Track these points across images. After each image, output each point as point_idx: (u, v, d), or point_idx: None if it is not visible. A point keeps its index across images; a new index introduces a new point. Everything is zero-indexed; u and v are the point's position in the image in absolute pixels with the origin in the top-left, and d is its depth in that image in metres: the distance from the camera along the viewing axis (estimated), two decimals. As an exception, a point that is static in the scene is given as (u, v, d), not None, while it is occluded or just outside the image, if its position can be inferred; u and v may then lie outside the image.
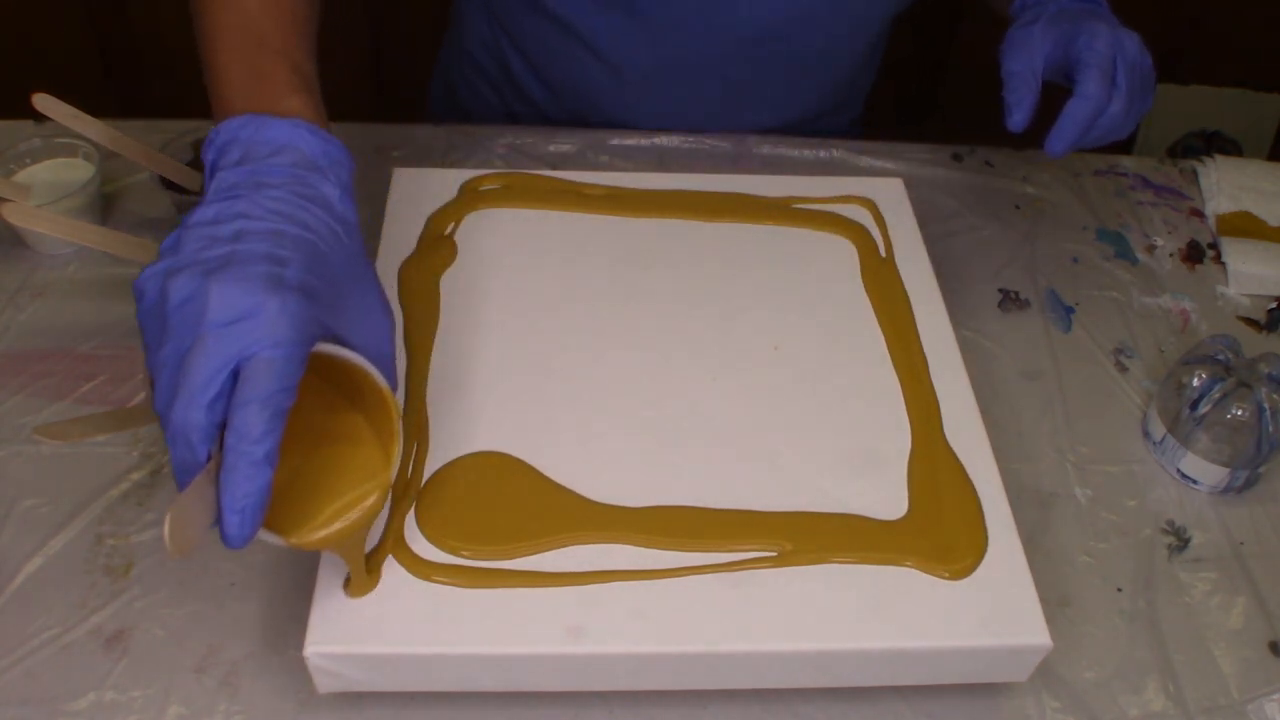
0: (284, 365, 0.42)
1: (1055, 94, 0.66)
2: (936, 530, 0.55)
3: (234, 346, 0.42)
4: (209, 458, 0.42)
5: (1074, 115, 0.63)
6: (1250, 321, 0.78)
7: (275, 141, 0.49)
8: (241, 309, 0.42)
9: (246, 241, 0.45)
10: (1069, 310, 0.77)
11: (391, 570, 0.52)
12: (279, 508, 0.46)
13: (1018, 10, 0.72)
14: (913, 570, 0.54)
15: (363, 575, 0.50)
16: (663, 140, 0.86)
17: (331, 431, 0.49)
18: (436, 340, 0.62)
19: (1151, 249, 0.83)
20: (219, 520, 0.43)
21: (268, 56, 0.54)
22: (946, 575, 0.53)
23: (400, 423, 0.48)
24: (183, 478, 0.43)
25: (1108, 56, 0.63)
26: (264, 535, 0.45)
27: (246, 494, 0.42)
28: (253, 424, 0.42)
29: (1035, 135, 0.66)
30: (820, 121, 0.91)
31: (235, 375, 0.42)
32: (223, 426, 0.42)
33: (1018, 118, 0.64)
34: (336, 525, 0.48)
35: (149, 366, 0.44)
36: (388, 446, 0.49)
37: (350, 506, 0.48)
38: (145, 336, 0.45)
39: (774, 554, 0.54)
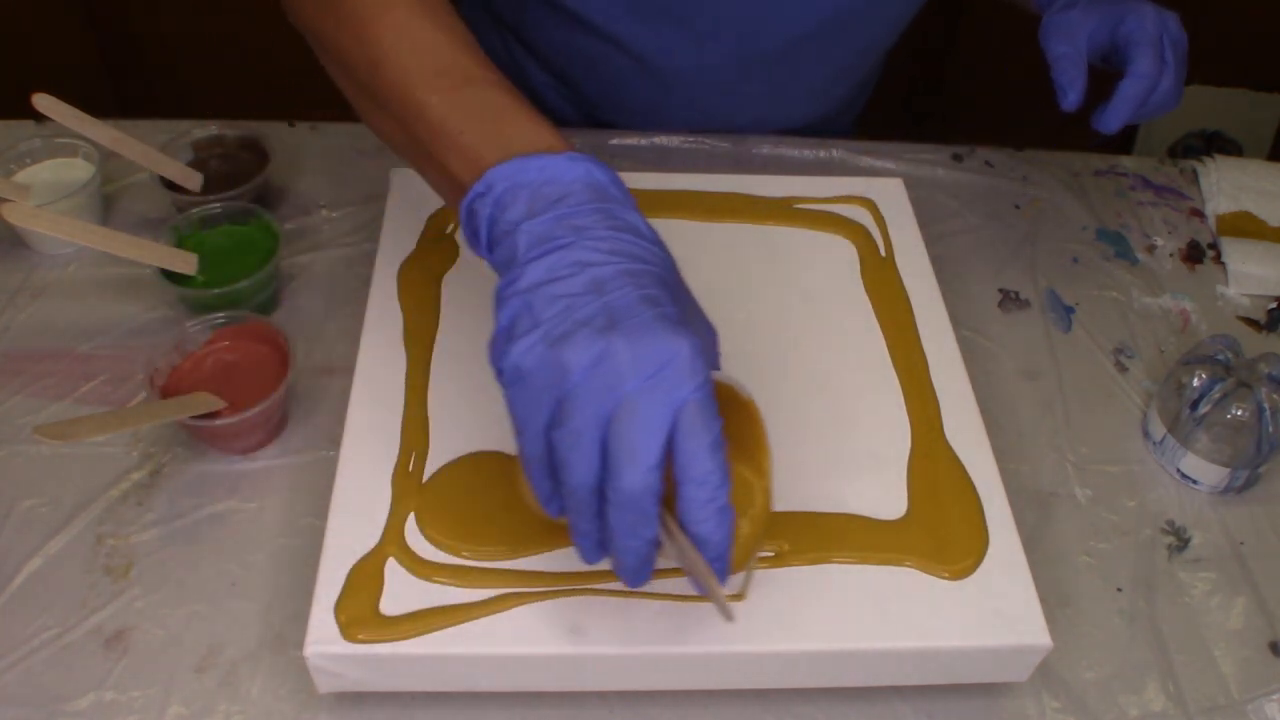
0: (711, 402, 0.41)
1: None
2: (936, 530, 0.55)
3: (669, 398, 0.40)
4: (660, 521, 0.42)
5: (1129, 93, 0.65)
6: (1250, 321, 0.78)
7: (562, 180, 0.46)
8: (660, 359, 0.41)
9: (612, 291, 0.43)
10: (1069, 310, 0.77)
11: (392, 570, 0.52)
12: None
13: (1045, 0, 0.72)
14: (913, 570, 0.54)
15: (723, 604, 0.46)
16: (663, 140, 0.86)
17: None
18: (437, 340, 0.62)
19: (1151, 249, 0.83)
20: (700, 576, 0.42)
21: (482, 90, 0.50)
22: (946, 575, 0.54)
23: (768, 436, 0.47)
24: (635, 543, 0.42)
25: (1157, 35, 0.66)
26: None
27: (721, 542, 0.42)
28: (712, 470, 0.41)
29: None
30: (837, 118, 0.91)
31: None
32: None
33: (1072, 98, 0.66)
34: (742, 546, 0.46)
35: (532, 446, 0.42)
36: (758, 464, 0.48)
37: (748, 530, 0.47)
38: (526, 413, 0.42)
39: (771, 554, 0.54)
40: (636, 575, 0.44)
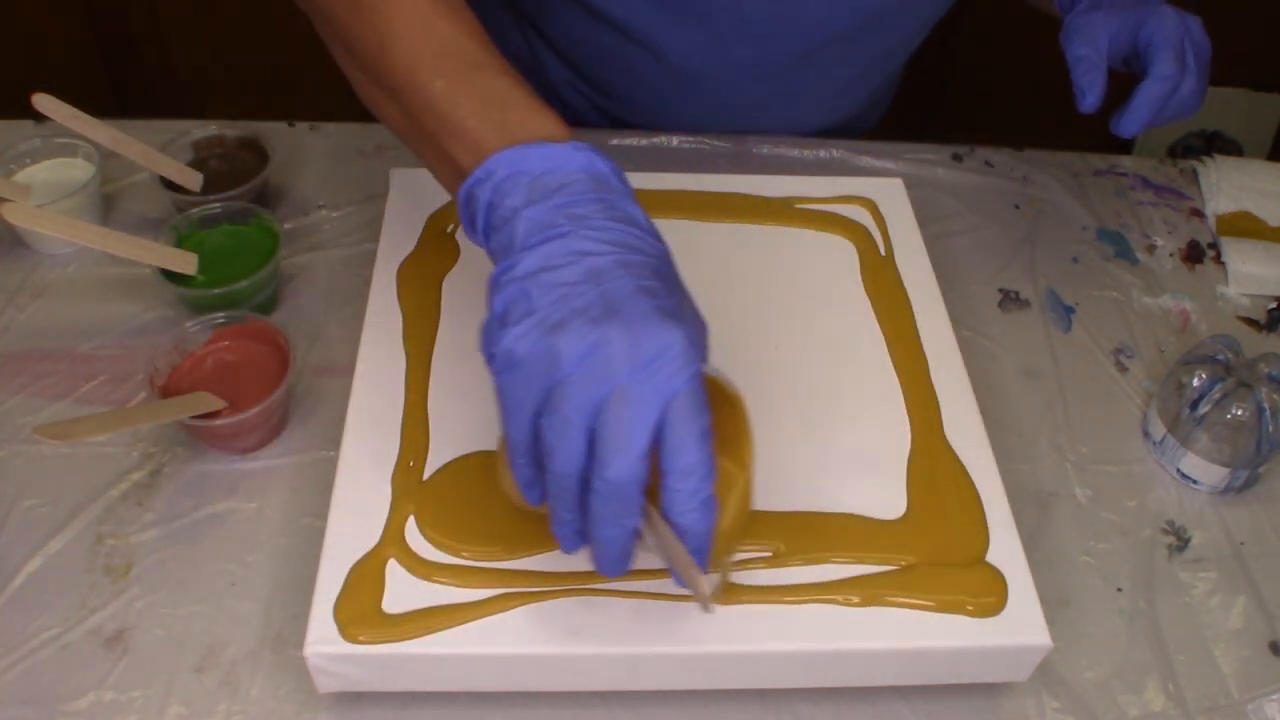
0: (702, 394, 0.42)
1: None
2: (936, 530, 0.55)
3: (662, 388, 0.41)
4: (643, 511, 0.42)
5: (1149, 96, 0.65)
6: (1250, 321, 0.78)
7: (563, 169, 0.46)
8: (655, 349, 0.41)
9: (608, 280, 0.43)
10: (1069, 310, 0.77)
11: (392, 570, 0.52)
12: None
13: (1068, 3, 0.72)
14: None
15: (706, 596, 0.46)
16: (663, 140, 0.86)
17: None
18: (437, 340, 0.62)
19: (1151, 249, 0.83)
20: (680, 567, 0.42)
21: (487, 76, 0.49)
22: (946, 575, 0.53)
23: (752, 428, 0.47)
24: (617, 532, 0.42)
25: (1178, 38, 0.66)
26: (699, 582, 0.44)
27: (704, 533, 0.42)
28: (699, 461, 0.41)
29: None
30: (853, 123, 0.91)
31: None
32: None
33: (1090, 100, 0.65)
34: (724, 540, 0.47)
35: (519, 432, 0.43)
36: (740, 456, 0.48)
37: (729, 522, 0.47)
38: (515, 399, 0.43)
39: (769, 554, 0.54)
40: (616, 565, 0.44)
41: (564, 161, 0.47)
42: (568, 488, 0.42)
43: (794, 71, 0.81)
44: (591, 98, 0.88)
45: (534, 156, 0.46)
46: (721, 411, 0.46)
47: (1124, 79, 0.68)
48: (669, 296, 0.44)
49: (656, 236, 0.47)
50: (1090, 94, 0.65)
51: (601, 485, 0.41)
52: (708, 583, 0.44)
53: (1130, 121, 0.66)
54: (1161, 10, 0.67)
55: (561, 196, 0.45)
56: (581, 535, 0.44)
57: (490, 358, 0.44)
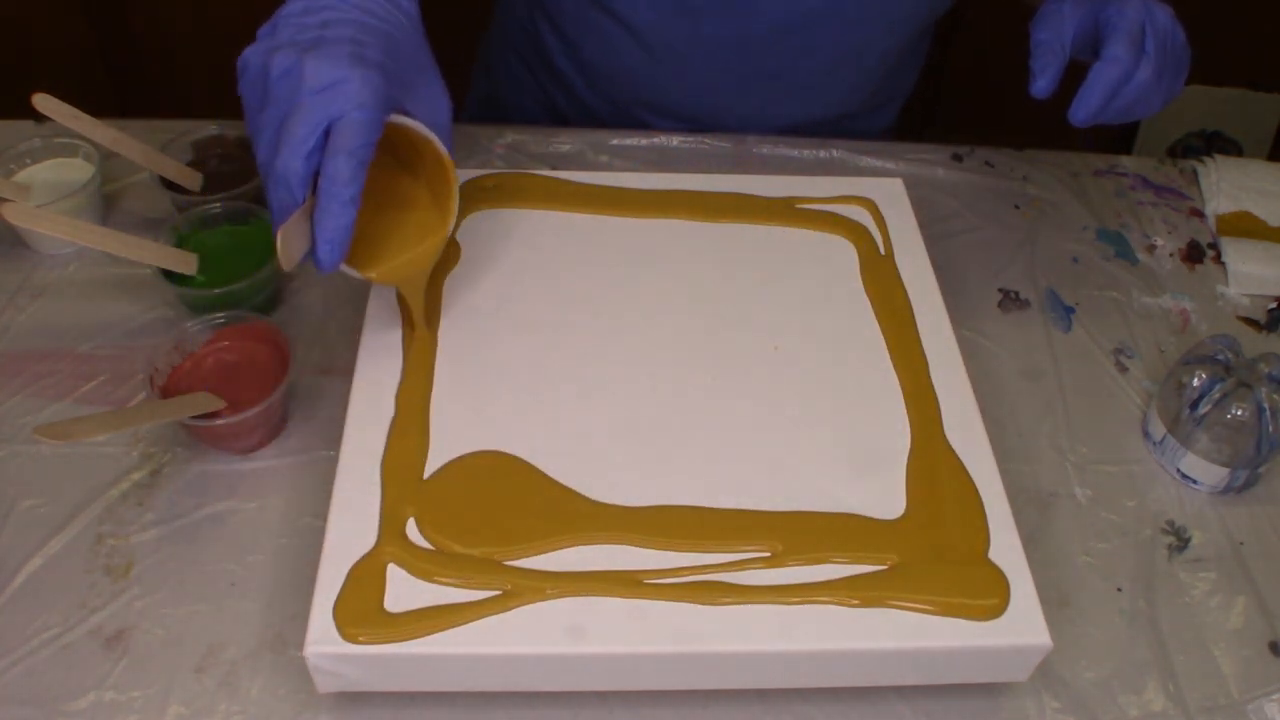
0: (367, 124, 0.51)
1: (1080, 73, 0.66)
2: (936, 530, 0.55)
3: (327, 108, 0.51)
4: (304, 200, 0.52)
5: (1099, 78, 0.63)
6: (1250, 321, 0.78)
7: None
8: (332, 79, 0.51)
9: (333, 29, 0.54)
10: (1069, 310, 0.77)
11: (392, 570, 0.52)
12: (357, 251, 0.57)
13: None
14: (913, 570, 0.54)
15: (423, 322, 0.61)
16: (662, 140, 0.86)
17: (398, 197, 0.61)
18: (437, 340, 0.62)
19: (1151, 249, 0.83)
20: (313, 251, 0.53)
21: None
22: (946, 575, 0.53)
23: (457, 185, 0.58)
24: (280, 216, 0.52)
25: (1136, 23, 0.64)
26: (345, 269, 0.55)
27: (336, 228, 0.52)
28: (342, 170, 0.51)
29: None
30: (853, 122, 0.90)
31: (327, 134, 0.51)
32: (314, 177, 0.52)
33: (1041, 84, 0.64)
34: (403, 258, 0.59)
35: (250, 129, 0.54)
36: (445, 206, 0.59)
37: (415, 250, 0.59)
38: (246, 103, 0.54)
39: (768, 554, 0.54)
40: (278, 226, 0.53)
41: None
42: (264, 175, 0.53)
43: (766, 58, 0.82)
44: (577, 68, 0.89)
45: None
46: (433, 170, 0.59)
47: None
48: (382, 55, 0.54)
49: (409, 17, 0.59)
50: (1041, 78, 0.64)
51: (271, 173, 0.52)
52: (345, 270, 0.56)
53: (1081, 105, 0.63)
54: None
55: None
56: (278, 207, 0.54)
57: (239, 61, 0.55)
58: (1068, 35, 0.65)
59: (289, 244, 0.52)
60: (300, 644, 0.49)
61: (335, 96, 0.51)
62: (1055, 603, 0.60)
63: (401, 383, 0.60)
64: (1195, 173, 0.90)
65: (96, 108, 0.72)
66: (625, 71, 0.86)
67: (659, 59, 0.83)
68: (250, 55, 0.54)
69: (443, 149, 0.57)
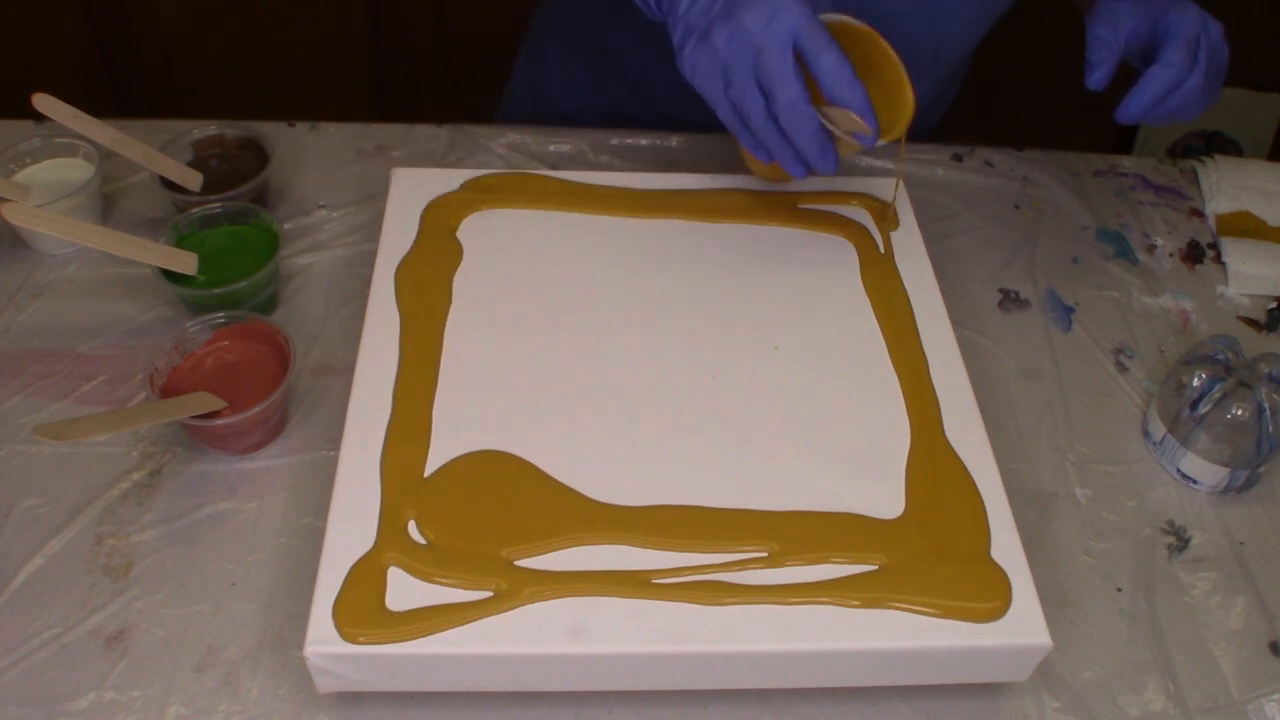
0: (816, 24, 0.57)
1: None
2: (936, 530, 0.55)
3: (781, 31, 0.57)
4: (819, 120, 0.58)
5: (1154, 81, 0.65)
6: (1250, 321, 0.78)
7: None
8: (768, 11, 0.57)
9: None
10: (1069, 310, 0.77)
11: (392, 570, 0.52)
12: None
13: None
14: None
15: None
16: (663, 140, 0.86)
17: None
18: (437, 339, 0.62)
19: (1151, 249, 0.83)
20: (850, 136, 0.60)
21: None
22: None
23: (904, 69, 0.62)
24: (810, 143, 0.59)
25: (1193, 33, 0.66)
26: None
27: (861, 104, 0.58)
28: (831, 60, 0.57)
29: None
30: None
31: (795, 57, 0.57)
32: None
33: (1098, 76, 0.66)
34: (901, 120, 0.62)
35: (724, 113, 0.60)
36: (900, 92, 0.62)
37: (904, 112, 0.63)
38: (710, 92, 0.60)
39: (765, 554, 0.54)
40: (823, 158, 0.60)
41: None
42: (768, 129, 0.59)
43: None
44: (634, 59, 0.88)
45: None
46: (865, 46, 0.62)
47: (1135, 76, 0.68)
48: None
49: None
50: (1098, 70, 0.66)
51: (780, 112, 0.58)
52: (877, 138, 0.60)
53: (1132, 103, 0.66)
54: (1185, 6, 0.67)
55: None
56: (799, 160, 0.61)
57: (687, 73, 0.61)
58: (1124, 33, 0.67)
59: (845, 130, 0.59)
60: (300, 644, 0.49)
61: (781, 21, 0.57)
62: (1055, 603, 0.60)
63: (401, 382, 0.60)
64: (1195, 173, 0.90)
65: (96, 108, 0.72)
66: (639, 54, 0.84)
67: (659, 41, 0.81)
68: (689, 54, 0.60)
69: (875, 32, 0.62)
